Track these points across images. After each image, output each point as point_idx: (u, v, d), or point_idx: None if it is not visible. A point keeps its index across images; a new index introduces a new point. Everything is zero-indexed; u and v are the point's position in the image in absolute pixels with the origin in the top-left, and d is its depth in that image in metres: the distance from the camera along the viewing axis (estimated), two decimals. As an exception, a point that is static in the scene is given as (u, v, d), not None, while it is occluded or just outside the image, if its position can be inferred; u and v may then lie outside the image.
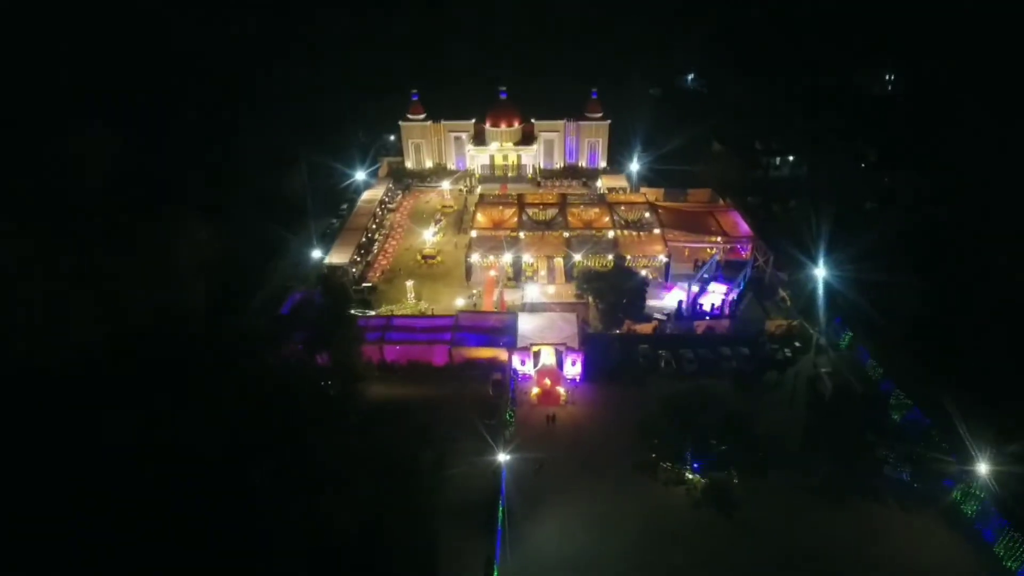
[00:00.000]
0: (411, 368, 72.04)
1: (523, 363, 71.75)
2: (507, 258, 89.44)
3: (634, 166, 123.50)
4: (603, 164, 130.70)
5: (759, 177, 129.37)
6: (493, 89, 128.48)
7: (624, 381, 71.27)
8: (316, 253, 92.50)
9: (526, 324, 75.10)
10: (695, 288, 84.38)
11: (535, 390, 69.29)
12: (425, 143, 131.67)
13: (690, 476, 57.68)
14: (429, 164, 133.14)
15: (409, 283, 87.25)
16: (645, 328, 79.16)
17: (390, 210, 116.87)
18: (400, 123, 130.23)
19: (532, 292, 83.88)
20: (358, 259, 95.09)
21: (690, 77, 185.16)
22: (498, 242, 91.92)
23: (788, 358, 74.16)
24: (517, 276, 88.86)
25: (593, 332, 77.69)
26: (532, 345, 71.20)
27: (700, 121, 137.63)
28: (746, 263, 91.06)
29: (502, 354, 71.95)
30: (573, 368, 71.43)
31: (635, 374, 72.33)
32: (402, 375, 71.61)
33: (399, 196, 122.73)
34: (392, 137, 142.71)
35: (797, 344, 75.82)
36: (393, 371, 71.83)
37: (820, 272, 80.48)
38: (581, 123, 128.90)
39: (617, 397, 69.48)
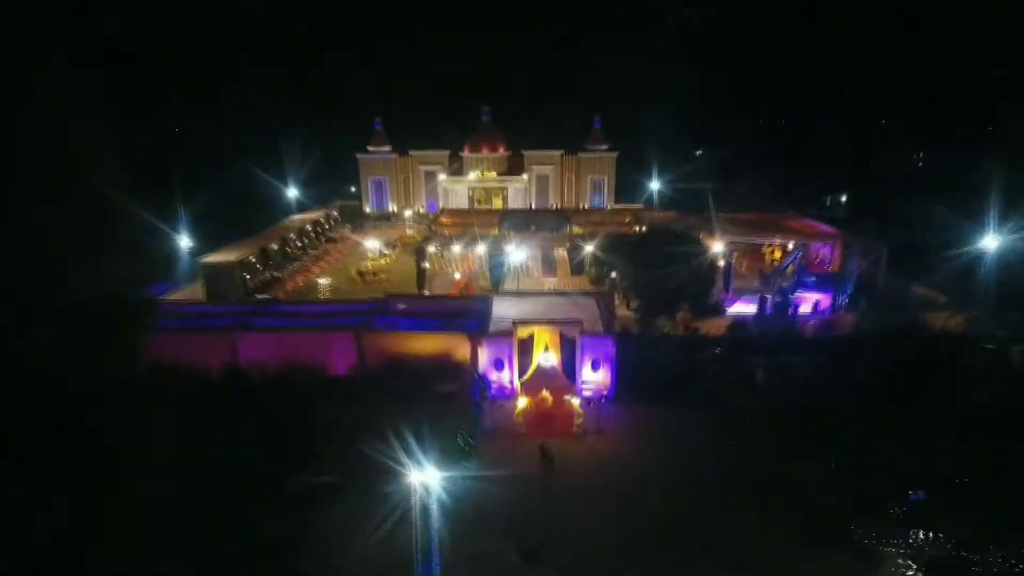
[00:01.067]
0: (284, 378, 37.35)
1: (500, 365, 37.85)
2: (481, 249, 57.75)
3: (654, 184, 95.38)
4: (610, 205, 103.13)
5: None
6: (474, 114, 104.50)
7: (689, 399, 37.07)
8: (185, 242, 60.38)
9: (507, 307, 42.07)
10: (782, 282, 52.70)
11: (522, 403, 34.87)
12: (389, 180, 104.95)
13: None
14: (393, 208, 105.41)
15: (323, 280, 54.99)
16: (712, 327, 45.87)
17: (330, 239, 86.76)
18: (358, 156, 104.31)
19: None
20: (259, 266, 63.31)
21: (698, 152, 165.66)
22: (471, 239, 61.08)
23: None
24: (496, 277, 56.14)
25: (624, 331, 44.13)
26: (519, 325, 37.66)
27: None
28: (842, 271, 60.15)
29: (460, 347, 38.20)
30: (596, 373, 37.48)
31: (707, 389, 38.16)
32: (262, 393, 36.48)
33: (347, 228, 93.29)
34: (353, 188, 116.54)
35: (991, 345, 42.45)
36: (246, 385, 37.04)
37: (991, 243, 49.14)
38: (582, 155, 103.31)
39: (680, 424, 35.06)
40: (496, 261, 52.55)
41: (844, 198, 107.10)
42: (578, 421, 34.27)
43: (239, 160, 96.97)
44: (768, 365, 40.34)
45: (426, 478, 20.42)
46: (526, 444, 32.75)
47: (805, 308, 51.66)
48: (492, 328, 38.36)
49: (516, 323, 37.14)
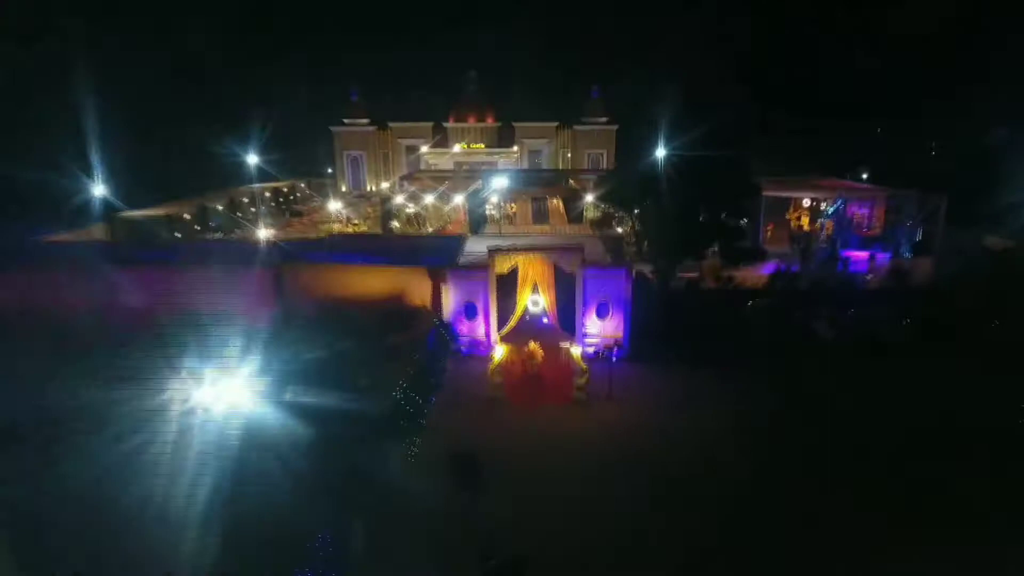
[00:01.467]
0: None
1: (472, 311, 27.45)
2: (459, 199, 47.37)
3: (661, 152, 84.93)
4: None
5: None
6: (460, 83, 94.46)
7: (730, 360, 26.68)
8: (99, 191, 49.33)
9: (484, 246, 31.57)
10: (822, 243, 42.95)
11: (498, 354, 24.41)
12: (366, 155, 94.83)
13: None
14: (371, 187, 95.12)
15: (264, 233, 44.75)
16: (749, 279, 35.58)
17: (296, 212, 76.29)
18: (333, 129, 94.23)
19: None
20: (196, 227, 53.02)
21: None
22: (448, 191, 50.69)
23: None
24: (475, 221, 45.47)
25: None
26: (497, 255, 27.06)
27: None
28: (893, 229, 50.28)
29: (419, 286, 27.70)
30: (604, 320, 27.12)
31: (753, 346, 27.81)
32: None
33: (315, 202, 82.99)
34: (329, 170, 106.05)
35: None
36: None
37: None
38: (578, 128, 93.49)
39: (722, 389, 24.72)
40: (476, 205, 42.28)
41: (865, 176, 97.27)
42: (581, 381, 23.79)
43: (194, 121, 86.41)
44: (833, 318, 30.08)
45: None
46: (503, 412, 22.36)
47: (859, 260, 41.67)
48: (462, 261, 27.97)
49: (493, 252, 26.70)
